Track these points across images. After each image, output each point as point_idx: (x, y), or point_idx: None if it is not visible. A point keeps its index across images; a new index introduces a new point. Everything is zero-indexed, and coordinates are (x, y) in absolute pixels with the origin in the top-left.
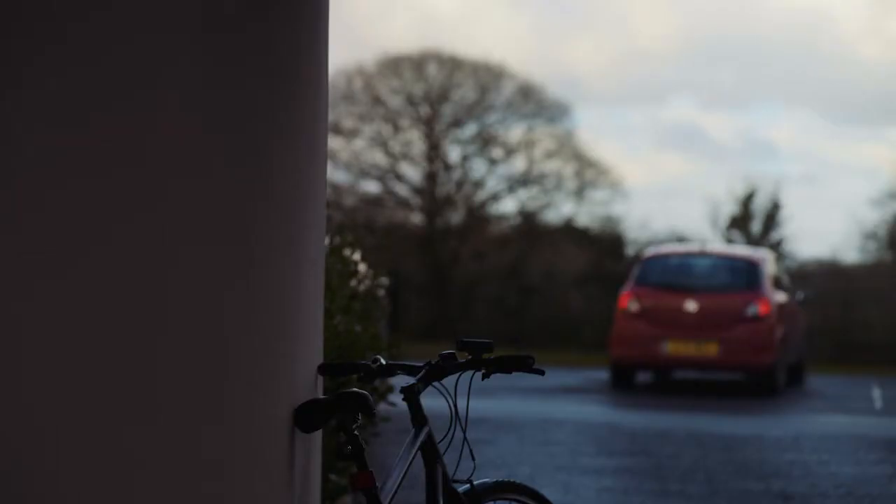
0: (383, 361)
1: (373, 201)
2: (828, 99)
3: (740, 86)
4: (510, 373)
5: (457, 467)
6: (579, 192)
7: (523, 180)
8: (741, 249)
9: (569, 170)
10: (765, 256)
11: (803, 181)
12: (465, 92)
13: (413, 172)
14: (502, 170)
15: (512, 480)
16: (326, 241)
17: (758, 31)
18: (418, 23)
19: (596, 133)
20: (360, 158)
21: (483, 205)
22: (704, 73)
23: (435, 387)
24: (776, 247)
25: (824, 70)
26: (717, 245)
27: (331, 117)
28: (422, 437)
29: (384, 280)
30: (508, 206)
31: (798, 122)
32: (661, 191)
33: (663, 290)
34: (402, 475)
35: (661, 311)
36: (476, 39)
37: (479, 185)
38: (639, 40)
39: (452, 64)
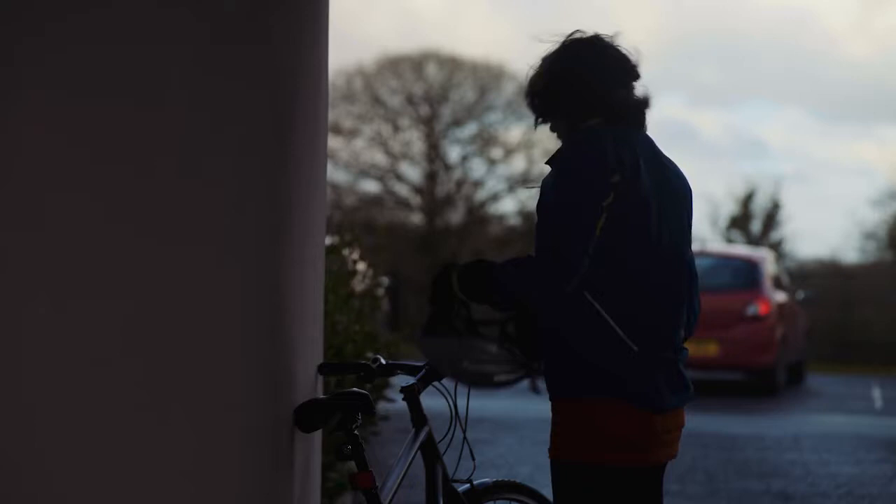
0: (383, 361)
1: (372, 201)
2: (817, 97)
3: (729, 84)
4: None
5: (457, 467)
6: None
7: (523, 180)
8: (741, 249)
9: None
10: (765, 256)
11: (795, 179)
12: (465, 92)
13: (413, 172)
14: (502, 170)
15: (511, 480)
16: (327, 241)
17: (746, 28)
18: (399, 20)
19: None
20: (359, 158)
21: (483, 205)
22: (693, 71)
23: (435, 387)
24: (776, 247)
25: (813, 68)
26: (717, 245)
27: (331, 117)
28: (422, 436)
29: (384, 280)
30: (508, 206)
31: (788, 120)
32: None
33: None
34: (402, 475)
35: None
36: (458, 36)
37: (478, 184)
38: (625, 37)
39: (452, 64)
